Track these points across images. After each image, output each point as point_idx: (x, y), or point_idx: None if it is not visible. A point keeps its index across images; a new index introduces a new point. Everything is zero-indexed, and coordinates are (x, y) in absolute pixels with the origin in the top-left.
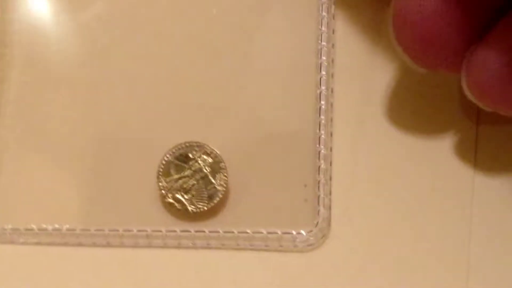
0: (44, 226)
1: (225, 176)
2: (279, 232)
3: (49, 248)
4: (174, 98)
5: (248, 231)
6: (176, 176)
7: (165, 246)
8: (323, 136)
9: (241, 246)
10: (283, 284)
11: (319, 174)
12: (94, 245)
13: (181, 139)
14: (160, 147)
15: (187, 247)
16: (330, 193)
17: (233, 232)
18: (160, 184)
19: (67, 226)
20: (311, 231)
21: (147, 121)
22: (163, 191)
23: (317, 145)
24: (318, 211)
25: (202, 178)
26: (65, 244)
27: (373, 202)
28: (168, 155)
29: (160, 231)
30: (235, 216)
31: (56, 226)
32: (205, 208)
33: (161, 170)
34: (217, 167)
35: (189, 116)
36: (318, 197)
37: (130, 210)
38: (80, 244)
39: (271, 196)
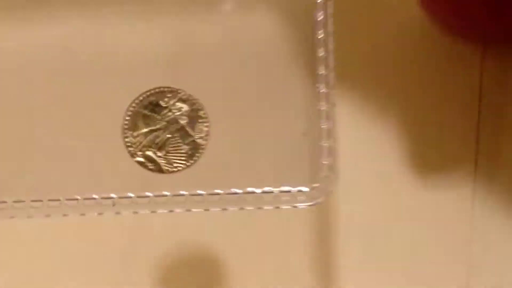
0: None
1: (207, 127)
2: (275, 191)
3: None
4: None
5: (237, 190)
6: (145, 130)
7: (136, 214)
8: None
9: (228, 210)
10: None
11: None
12: (48, 216)
13: (149, 85)
14: (124, 96)
15: (163, 214)
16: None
17: (218, 194)
18: (127, 140)
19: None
20: (313, 187)
21: (106, 66)
22: (130, 149)
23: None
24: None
25: (178, 130)
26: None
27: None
28: (134, 105)
29: (130, 197)
30: (220, 175)
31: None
32: (184, 166)
33: (127, 123)
34: (195, 116)
35: (157, 58)
36: (321, 146)
37: (92, 174)
38: (30, 216)
39: (262, 149)
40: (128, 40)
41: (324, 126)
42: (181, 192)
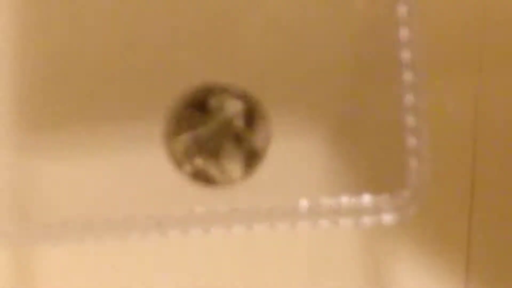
0: None
1: (267, 129)
2: (354, 201)
3: None
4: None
5: (306, 203)
6: (192, 133)
7: (186, 235)
8: None
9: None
10: None
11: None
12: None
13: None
14: (164, 93)
15: (219, 233)
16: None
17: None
18: (170, 147)
19: None
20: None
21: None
22: (175, 157)
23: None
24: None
25: (232, 132)
26: None
27: None
28: (176, 104)
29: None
30: (285, 185)
31: None
32: (241, 177)
33: (169, 126)
34: (253, 115)
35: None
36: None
37: (130, 189)
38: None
39: (334, 153)
40: (165, 22)
41: (411, 122)
42: (240, 207)
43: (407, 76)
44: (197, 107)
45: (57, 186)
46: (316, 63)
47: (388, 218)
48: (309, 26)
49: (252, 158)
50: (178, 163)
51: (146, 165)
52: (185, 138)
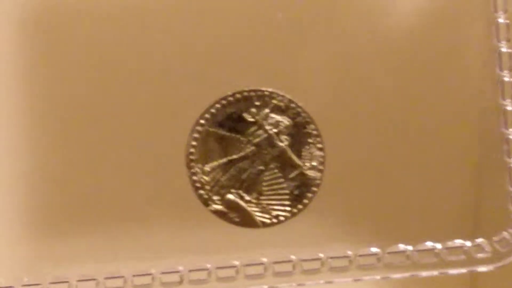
0: None
1: (320, 151)
2: (439, 248)
3: None
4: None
5: (377, 250)
6: (223, 160)
7: None
8: None
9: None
10: None
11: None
12: None
13: (225, 89)
14: (187, 108)
15: None
16: None
17: (347, 257)
18: (195, 178)
19: None
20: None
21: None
22: (201, 192)
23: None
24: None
25: (276, 158)
26: None
27: None
28: (202, 122)
29: (205, 268)
30: (345, 226)
31: None
32: (288, 214)
33: (193, 151)
34: (302, 134)
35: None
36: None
37: (147, 234)
38: None
39: (408, 185)
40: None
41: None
42: (290, 257)
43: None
44: (229, 124)
45: None
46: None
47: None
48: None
49: (302, 190)
50: (204, 200)
51: (166, 201)
52: (215, 165)
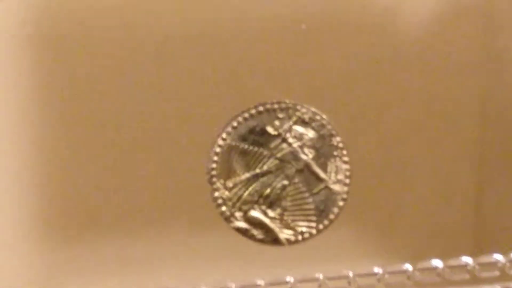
0: None
1: (346, 164)
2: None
3: None
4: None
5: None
6: (246, 176)
7: None
8: None
9: None
10: None
11: None
12: None
13: (247, 102)
14: (208, 122)
15: None
16: None
17: (376, 274)
18: (217, 193)
19: None
20: None
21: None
22: (223, 208)
23: None
24: None
25: (300, 172)
26: None
27: None
28: (224, 136)
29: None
30: (374, 241)
31: None
32: (313, 231)
33: (215, 166)
34: (327, 146)
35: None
36: None
37: (166, 251)
38: None
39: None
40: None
41: None
42: (316, 276)
43: None
44: (252, 138)
45: None
46: None
47: None
48: None
49: (328, 204)
50: (226, 217)
51: (186, 219)
52: (237, 181)
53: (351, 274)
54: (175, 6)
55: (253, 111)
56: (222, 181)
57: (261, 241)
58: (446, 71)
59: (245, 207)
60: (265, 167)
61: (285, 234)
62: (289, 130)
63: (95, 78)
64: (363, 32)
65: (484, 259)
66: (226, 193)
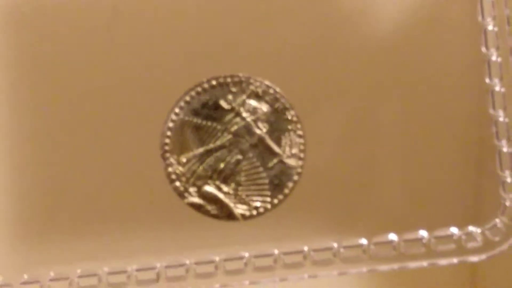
0: None
1: (301, 137)
2: (428, 237)
3: None
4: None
5: (363, 241)
6: (199, 151)
7: None
8: None
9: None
10: None
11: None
12: None
13: (199, 76)
14: (160, 96)
15: None
16: None
17: (330, 249)
18: (170, 169)
19: None
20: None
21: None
22: (177, 183)
23: None
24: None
25: (254, 146)
26: None
27: None
28: (177, 111)
29: (183, 264)
30: (327, 216)
31: None
32: (268, 206)
33: (168, 142)
34: (281, 120)
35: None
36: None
37: (120, 228)
38: None
39: (393, 171)
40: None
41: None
42: (271, 251)
43: None
44: (205, 113)
45: None
46: None
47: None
48: None
49: (282, 179)
50: (180, 192)
51: (139, 194)
52: (191, 156)
53: (306, 248)
54: None
55: (205, 85)
56: (175, 156)
57: (215, 216)
58: (406, 48)
59: (199, 183)
60: (218, 142)
61: (239, 209)
62: (243, 104)
63: (46, 58)
64: (320, 6)
65: (440, 232)
66: (180, 168)
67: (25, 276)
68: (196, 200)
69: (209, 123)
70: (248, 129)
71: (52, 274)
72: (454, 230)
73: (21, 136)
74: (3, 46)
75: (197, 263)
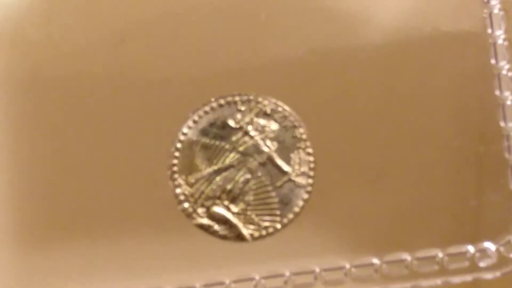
0: None
1: (310, 154)
2: (440, 255)
3: None
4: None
5: (375, 261)
6: (208, 171)
7: None
8: None
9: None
10: None
11: None
12: None
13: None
14: (168, 117)
15: None
16: None
17: (342, 268)
18: (178, 190)
19: None
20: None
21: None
22: (185, 204)
23: None
24: None
25: (263, 165)
26: None
27: None
28: (185, 130)
29: (193, 286)
30: (339, 235)
31: None
32: (278, 225)
33: (176, 162)
34: (290, 138)
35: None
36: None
37: (126, 250)
38: None
39: (405, 191)
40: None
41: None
42: (282, 272)
43: None
44: (213, 132)
45: None
46: None
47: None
48: None
49: (292, 198)
50: (188, 213)
51: (147, 216)
52: (199, 176)
53: (317, 269)
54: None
55: (214, 104)
56: (183, 177)
57: (224, 237)
58: (414, 62)
59: (207, 203)
60: (227, 161)
61: (249, 229)
62: (251, 122)
63: (52, 72)
64: (326, 22)
65: (453, 250)
66: (188, 189)
67: None
68: (205, 221)
69: (217, 143)
70: (256, 148)
71: None
72: (468, 247)
73: (22, 156)
74: (3, 46)
75: (206, 285)
